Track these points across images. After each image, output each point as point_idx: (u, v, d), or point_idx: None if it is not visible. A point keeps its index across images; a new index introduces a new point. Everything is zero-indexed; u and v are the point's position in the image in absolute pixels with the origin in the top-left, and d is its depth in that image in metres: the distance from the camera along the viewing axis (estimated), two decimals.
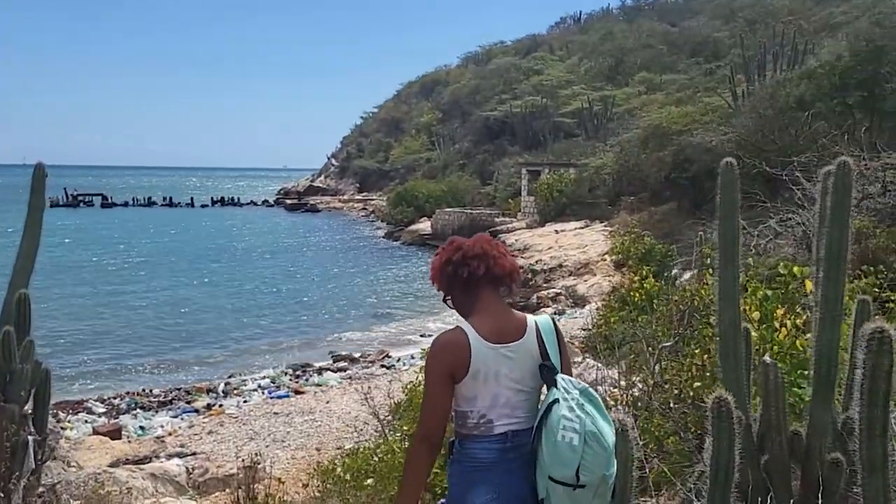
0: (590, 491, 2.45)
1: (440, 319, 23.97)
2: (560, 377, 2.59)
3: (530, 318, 2.73)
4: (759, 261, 9.20)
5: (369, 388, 8.41)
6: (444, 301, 2.85)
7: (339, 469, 6.28)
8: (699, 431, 6.31)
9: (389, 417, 7.41)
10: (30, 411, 5.27)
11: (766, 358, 3.60)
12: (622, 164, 33.15)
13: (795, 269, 5.73)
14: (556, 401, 2.51)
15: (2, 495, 4.75)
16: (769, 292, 5.91)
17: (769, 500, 2.92)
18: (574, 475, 2.42)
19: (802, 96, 20.94)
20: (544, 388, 2.69)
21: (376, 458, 6.23)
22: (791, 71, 25.48)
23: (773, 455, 3.47)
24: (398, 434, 6.68)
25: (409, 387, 7.08)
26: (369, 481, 6.09)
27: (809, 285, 5.85)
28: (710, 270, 7.48)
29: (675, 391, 7.07)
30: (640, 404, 7.53)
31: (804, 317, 5.90)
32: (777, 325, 5.75)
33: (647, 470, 6.68)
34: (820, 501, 3.03)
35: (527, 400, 2.63)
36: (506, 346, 2.58)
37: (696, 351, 6.53)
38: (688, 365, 6.54)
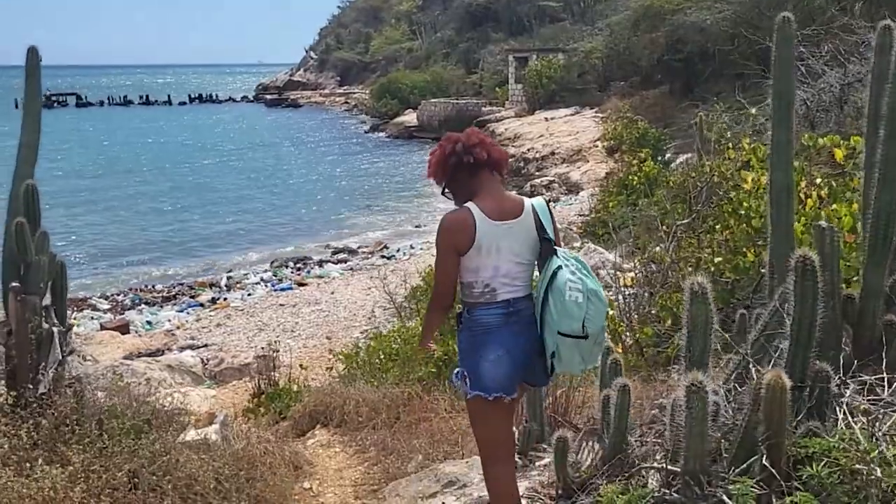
0: (592, 340, 2.84)
1: (435, 211, 23.94)
2: (558, 248, 2.95)
3: (527, 200, 3.05)
4: (762, 138, 9.04)
5: (385, 275, 8.37)
6: (443, 193, 3.09)
7: (362, 353, 6.30)
8: (721, 306, 6.34)
9: (405, 303, 7.42)
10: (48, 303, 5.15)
11: (823, 222, 3.50)
12: (612, 48, 32.36)
13: (827, 139, 5.58)
14: (559, 267, 2.85)
15: (31, 386, 4.70)
16: (795, 163, 5.79)
17: (845, 358, 2.89)
18: (581, 327, 2.79)
19: None
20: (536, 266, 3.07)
21: (399, 342, 6.24)
22: None
23: (826, 319, 3.43)
24: (414, 320, 6.68)
25: (427, 271, 7.02)
26: (389, 365, 6.12)
27: (840, 154, 5.75)
28: (730, 146, 7.35)
29: (689, 268, 7.07)
30: (653, 282, 7.55)
31: (825, 189, 5.82)
32: (802, 196, 5.66)
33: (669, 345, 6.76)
34: (884, 361, 3.00)
35: (525, 271, 2.96)
36: (506, 223, 2.87)
37: (717, 227, 6.47)
38: (708, 241, 6.51)
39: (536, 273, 3.06)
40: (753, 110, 8.78)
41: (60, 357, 4.89)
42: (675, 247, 7.29)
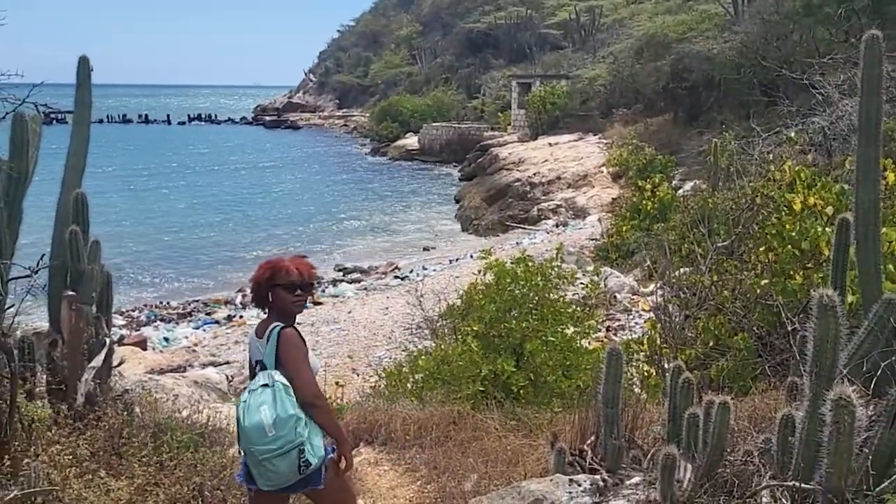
0: (251, 458, 3.02)
1: (442, 234, 23.93)
2: (262, 372, 3.14)
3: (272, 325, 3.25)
4: (777, 165, 9.02)
5: (420, 293, 8.28)
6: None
7: (405, 369, 6.21)
8: (766, 329, 6.27)
9: (442, 322, 7.32)
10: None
11: None
12: (616, 75, 32.59)
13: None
14: (246, 389, 3.18)
15: (82, 397, 4.60)
16: (846, 186, 5.79)
17: None
18: (238, 444, 3.11)
19: (810, 0, 20.46)
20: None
21: (439, 361, 6.15)
22: None
23: None
24: (456, 336, 6.60)
25: (465, 287, 6.94)
26: (432, 383, 6.03)
27: (892, 177, 5.74)
28: (772, 168, 7.35)
29: (726, 292, 7.01)
30: (689, 305, 7.48)
31: None
32: None
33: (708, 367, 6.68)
34: None
35: None
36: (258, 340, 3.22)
37: (760, 249, 6.43)
38: (752, 263, 6.46)
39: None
40: (792, 134, 8.78)
41: (112, 365, 4.81)
42: (712, 270, 7.24)
